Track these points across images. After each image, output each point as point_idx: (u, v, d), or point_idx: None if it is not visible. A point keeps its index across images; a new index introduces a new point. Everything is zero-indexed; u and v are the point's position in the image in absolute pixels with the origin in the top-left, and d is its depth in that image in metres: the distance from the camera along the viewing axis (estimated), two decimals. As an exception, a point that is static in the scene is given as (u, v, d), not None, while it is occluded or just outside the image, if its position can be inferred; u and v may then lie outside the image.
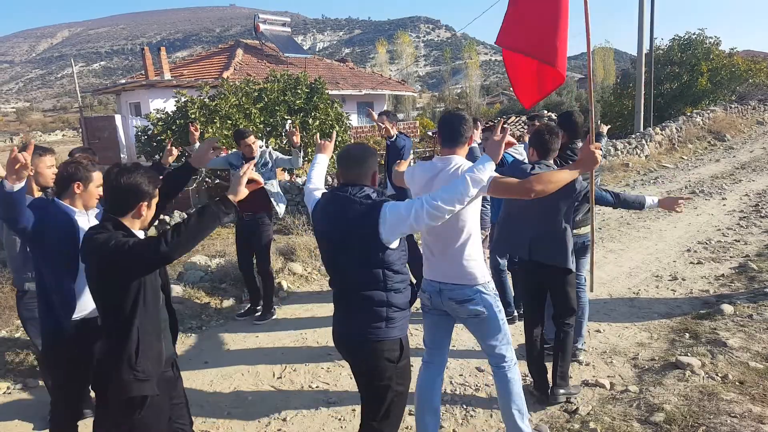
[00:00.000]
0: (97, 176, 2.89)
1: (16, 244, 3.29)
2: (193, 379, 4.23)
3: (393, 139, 4.97)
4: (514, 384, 2.94)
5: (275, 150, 5.85)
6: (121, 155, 18.11)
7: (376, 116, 5.27)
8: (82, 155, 3.90)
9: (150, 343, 2.25)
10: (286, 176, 12.85)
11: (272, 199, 5.23)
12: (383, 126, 4.95)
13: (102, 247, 2.12)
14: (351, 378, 4.16)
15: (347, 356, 2.65)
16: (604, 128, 5.48)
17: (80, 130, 21.25)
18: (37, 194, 3.30)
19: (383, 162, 5.35)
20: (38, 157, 3.24)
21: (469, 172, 2.45)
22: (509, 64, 4.13)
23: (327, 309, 5.62)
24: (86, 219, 2.86)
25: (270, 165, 5.25)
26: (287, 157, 5.35)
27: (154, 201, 2.37)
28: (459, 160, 2.88)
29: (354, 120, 20.38)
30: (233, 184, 2.35)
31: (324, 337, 4.98)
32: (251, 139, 5.11)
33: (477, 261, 2.85)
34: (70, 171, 2.86)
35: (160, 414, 2.29)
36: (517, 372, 2.98)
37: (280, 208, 5.33)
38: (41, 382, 4.30)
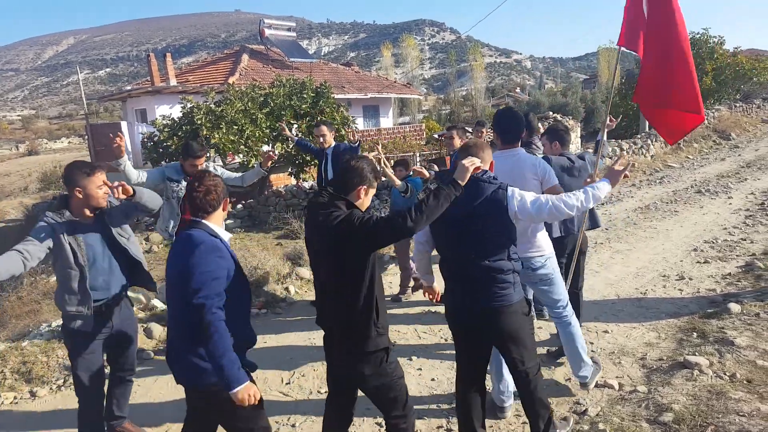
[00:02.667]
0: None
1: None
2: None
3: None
4: (575, 327, 3.63)
5: (281, 153, 5.90)
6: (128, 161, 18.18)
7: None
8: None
9: (383, 303, 2.63)
10: (293, 180, 12.90)
11: None
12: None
13: (345, 222, 2.45)
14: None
15: (475, 324, 2.92)
16: (613, 123, 5.28)
17: (86, 137, 21.38)
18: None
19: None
20: (86, 177, 2.98)
21: (591, 188, 2.97)
22: (649, 116, 4.59)
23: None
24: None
25: None
26: (235, 174, 5.02)
27: (372, 192, 2.67)
28: (523, 153, 3.45)
29: (360, 123, 20.44)
30: (459, 170, 2.60)
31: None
32: (202, 160, 4.66)
33: (545, 237, 3.47)
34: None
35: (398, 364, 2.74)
36: (575, 318, 3.67)
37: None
38: (41, 391, 4.35)
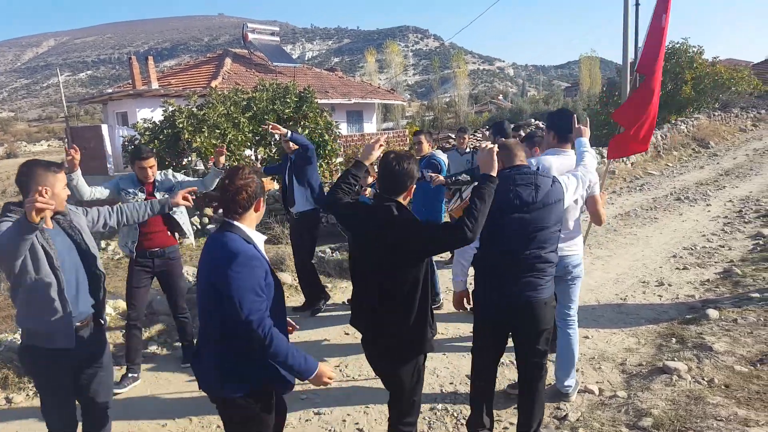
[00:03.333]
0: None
1: None
2: (192, 383, 4.20)
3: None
4: (576, 334, 3.73)
5: (263, 158, 5.84)
6: (108, 165, 17.96)
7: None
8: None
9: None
10: (276, 185, 12.83)
11: (184, 227, 4.46)
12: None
13: (406, 224, 2.53)
14: (340, 389, 4.16)
15: (509, 316, 3.01)
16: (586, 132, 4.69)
17: (66, 140, 21.07)
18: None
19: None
20: (53, 175, 2.72)
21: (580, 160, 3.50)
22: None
23: (316, 320, 5.61)
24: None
25: (175, 190, 4.21)
26: (193, 179, 4.75)
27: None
28: (573, 153, 3.68)
29: (344, 129, 20.42)
30: (485, 164, 2.67)
31: (313, 349, 4.97)
32: (150, 161, 4.28)
33: (580, 238, 3.74)
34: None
35: None
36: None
37: (190, 238, 4.64)
38: (17, 398, 4.25)
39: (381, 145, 2.88)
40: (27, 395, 4.30)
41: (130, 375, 4.34)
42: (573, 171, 3.34)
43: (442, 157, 5.57)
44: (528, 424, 3.09)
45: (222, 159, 4.44)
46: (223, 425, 2.51)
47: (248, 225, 2.35)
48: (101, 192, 4.14)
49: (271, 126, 5.35)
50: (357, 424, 3.67)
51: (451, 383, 4.12)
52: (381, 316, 2.63)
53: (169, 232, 4.41)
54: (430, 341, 2.68)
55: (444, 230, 2.64)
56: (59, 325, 2.69)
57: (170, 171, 4.57)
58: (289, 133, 5.39)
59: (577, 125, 3.67)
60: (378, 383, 4.15)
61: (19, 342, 4.74)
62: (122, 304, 5.71)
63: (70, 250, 2.77)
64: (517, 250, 2.92)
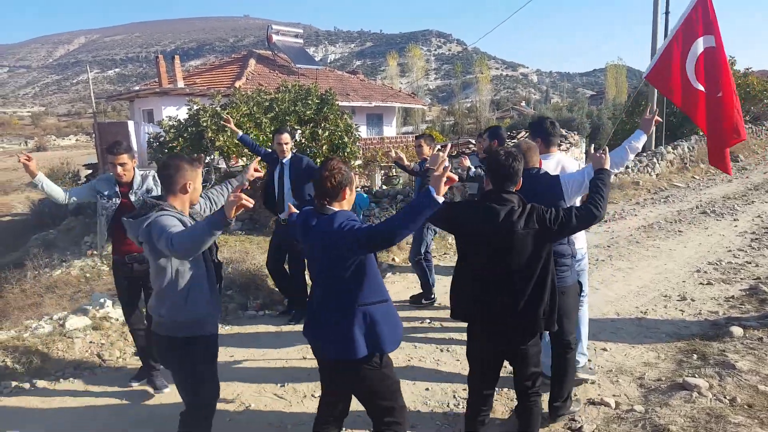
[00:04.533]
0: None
1: None
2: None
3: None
4: (585, 318, 4.06)
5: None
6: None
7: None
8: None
9: None
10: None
11: None
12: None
13: (536, 215, 2.79)
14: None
15: None
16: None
17: (93, 135, 21.46)
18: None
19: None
20: (194, 171, 2.89)
21: (627, 144, 3.73)
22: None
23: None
24: None
25: (154, 192, 4.14)
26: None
27: None
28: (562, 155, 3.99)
29: (363, 132, 20.46)
30: (596, 161, 3.18)
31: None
32: (121, 158, 4.01)
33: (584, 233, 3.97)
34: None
35: None
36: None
37: None
38: (41, 382, 4.33)
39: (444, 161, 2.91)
40: (50, 380, 4.44)
41: (157, 372, 4.21)
42: (581, 170, 3.61)
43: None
44: (560, 394, 3.53)
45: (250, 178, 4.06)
46: (353, 391, 2.76)
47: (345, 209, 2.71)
48: (79, 195, 4.12)
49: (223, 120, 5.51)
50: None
51: (453, 397, 4.07)
52: (518, 301, 2.82)
53: None
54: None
55: (574, 211, 2.86)
56: (212, 311, 2.90)
57: (153, 173, 4.18)
58: (240, 133, 5.76)
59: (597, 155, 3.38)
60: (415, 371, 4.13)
61: (44, 327, 4.86)
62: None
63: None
64: None
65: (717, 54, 4.95)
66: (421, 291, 6.01)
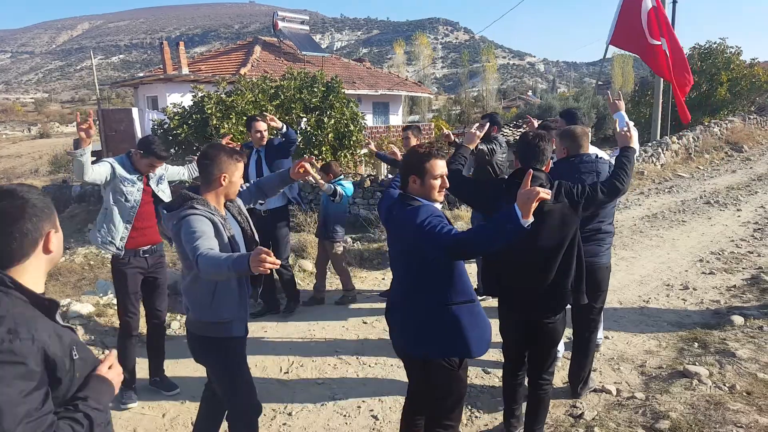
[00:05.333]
0: None
1: None
2: (201, 371, 4.28)
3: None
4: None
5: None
6: (138, 148, 18.29)
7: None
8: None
9: None
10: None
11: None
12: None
13: (569, 188, 2.92)
14: (356, 375, 4.21)
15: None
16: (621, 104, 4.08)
17: (97, 122, 21.49)
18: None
19: None
20: (235, 164, 2.68)
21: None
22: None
23: (334, 309, 5.67)
24: None
25: (165, 179, 4.04)
26: (180, 168, 4.37)
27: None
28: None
29: (369, 120, 20.42)
30: (622, 139, 3.25)
31: (332, 333, 5.02)
32: (163, 164, 3.90)
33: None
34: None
35: None
36: None
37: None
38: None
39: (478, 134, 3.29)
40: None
41: (132, 391, 3.91)
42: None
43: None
44: (579, 374, 3.68)
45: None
46: (425, 390, 2.70)
47: (420, 195, 2.57)
48: (99, 175, 3.65)
49: (268, 117, 5.13)
50: (371, 410, 3.71)
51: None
52: (547, 274, 2.89)
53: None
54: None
55: (602, 188, 2.97)
56: (240, 313, 2.71)
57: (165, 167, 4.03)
58: (284, 127, 5.20)
59: (612, 100, 3.91)
60: (393, 372, 4.19)
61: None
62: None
63: (240, 237, 2.75)
64: (582, 224, 3.19)
65: (658, 10, 5.75)
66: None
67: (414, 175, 2.54)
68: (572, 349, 3.77)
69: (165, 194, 3.92)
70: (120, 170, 3.71)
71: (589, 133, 3.68)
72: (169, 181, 4.06)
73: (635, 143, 3.37)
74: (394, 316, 2.71)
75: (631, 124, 3.63)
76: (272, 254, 2.03)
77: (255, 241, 2.79)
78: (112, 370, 1.59)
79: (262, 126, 5.17)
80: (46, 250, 1.49)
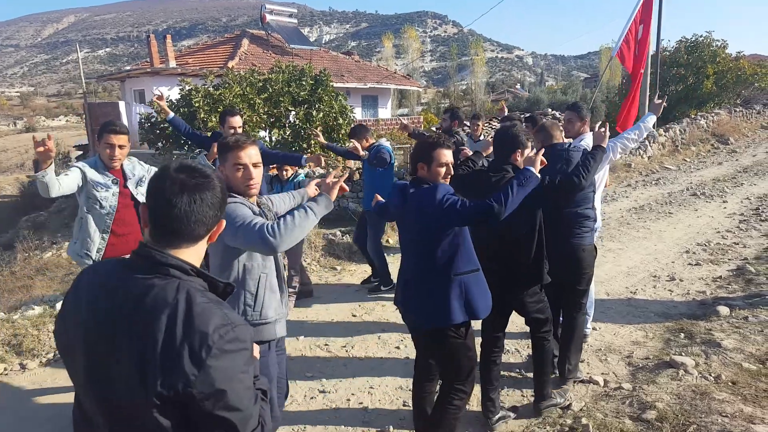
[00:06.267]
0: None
1: None
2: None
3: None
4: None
5: (277, 139, 5.74)
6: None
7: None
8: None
9: None
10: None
11: None
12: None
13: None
14: (345, 367, 4.21)
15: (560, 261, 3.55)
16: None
17: (84, 116, 21.23)
18: None
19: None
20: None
21: (642, 122, 4.24)
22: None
23: (324, 301, 5.66)
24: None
25: (143, 180, 3.60)
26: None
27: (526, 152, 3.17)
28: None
29: (358, 113, 20.36)
30: (597, 138, 3.50)
31: (321, 326, 5.01)
32: (122, 138, 3.44)
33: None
34: None
35: None
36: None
37: None
38: (31, 364, 4.35)
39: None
40: (40, 362, 4.42)
41: None
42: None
43: (387, 144, 5.90)
44: (566, 357, 3.78)
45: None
46: (435, 356, 2.94)
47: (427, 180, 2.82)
48: (69, 186, 3.27)
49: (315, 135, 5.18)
50: (361, 403, 3.71)
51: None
52: (515, 257, 3.17)
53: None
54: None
55: (560, 179, 3.22)
56: (283, 311, 2.64)
57: (135, 159, 3.69)
58: (171, 114, 5.15)
59: (656, 101, 4.41)
60: (382, 364, 4.20)
61: (34, 309, 4.82)
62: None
63: None
64: (561, 209, 3.55)
65: (643, 43, 6.15)
66: (376, 277, 5.95)
67: (422, 162, 2.79)
68: (561, 333, 3.85)
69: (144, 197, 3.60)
70: (92, 174, 3.36)
71: (560, 125, 3.90)
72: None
73: (605, 143, 3.60)
74: (408, 294, 2.86)
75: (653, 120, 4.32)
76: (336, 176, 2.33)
77: None
78: (255, 348, 1.57)
79: (237, 122, 4.64)
80: (211, 238, 1.46)
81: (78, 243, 3.41)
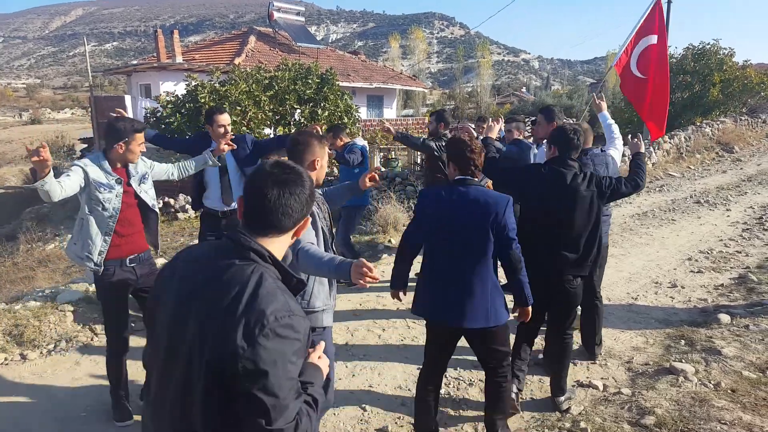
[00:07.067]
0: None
1: None
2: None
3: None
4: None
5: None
6: (130, 136, 18.14)
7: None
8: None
9: None
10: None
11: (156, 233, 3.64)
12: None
13: (596, 178, 3.36)
14: (345, 365, 4.21)
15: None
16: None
17: (89, 109, 21.28)
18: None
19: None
20: (323, 148, 2.73)
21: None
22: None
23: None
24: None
25: (149, 178, 3.53)
26: (168, 165, 3.80)
27: None
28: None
29: (363, 113, 20.36)
30: (633, 146, 4.00)
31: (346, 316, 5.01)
32: (141, 137, 3.30)
33: None
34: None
35: None
36: None
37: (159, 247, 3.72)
38: (32, 354, 4.36)
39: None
40: (41, 352, 4.42)
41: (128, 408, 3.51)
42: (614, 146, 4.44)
43: (362, 143, 6.24)
44: (592, 337, 4.26)
45: (225, 148, 3.94)
46: (478, 349, 3.06)
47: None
48: (71, 188, 3.09)
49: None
50: (360, 400, 3.72)
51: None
52: (576, 250, 3.36)
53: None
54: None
55: (626, 182, 3.49)
56: (331, 302, 2.74)
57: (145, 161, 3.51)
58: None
59: (597, 101, 4.65)
60: (381, 363, 4.20)
61: (36, 300, 4.82)
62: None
63: (327, 228, 2.78)
64: None
65: (657, 50, 6.11)
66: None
67: (452, 162, 2.99)
68: (581, 319, 4.20)
69: (149, 195, 3.44)
70: (95, 174, 3.17)
71: (591, 130, 4.17)
72: (155, 181, 3.57)
73: (620, 143, 4.28)
74: (451, 294, 2.90)
75: (614, 123, 4.52)
76: (373, 269, 2.05)
77: (332, 235, 2.80)
78: (321, 360, 1.64)
79: (225, 119, 4.37)
80: (297, 233, 1.57)
81: (78, 245, 3.25)
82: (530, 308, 3.00)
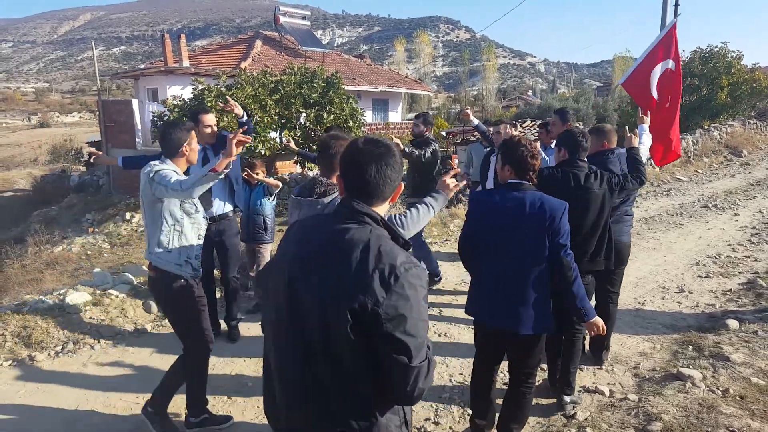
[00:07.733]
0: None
1: None
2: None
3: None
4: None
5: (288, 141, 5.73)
6: (137, 139, 18.25)
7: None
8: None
9: None
10: (298, 168, 12.88)
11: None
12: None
13: (606, 176, 3.53)
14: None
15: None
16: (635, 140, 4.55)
17: (97, 112, 21.42)
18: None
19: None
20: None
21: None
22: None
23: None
24: None
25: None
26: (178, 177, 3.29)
27: None
28: None
29: (368, 117, 20.38)
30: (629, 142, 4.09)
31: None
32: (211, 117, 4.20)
33: None
34: None
35: None
36: None
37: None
38: (40, 356, 4.39)
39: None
40: (48, 354, 4.45)
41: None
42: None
43: None
44: (601, 341, 4.14)
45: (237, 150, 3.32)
46: (519, 360, 3.04)
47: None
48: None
49: (231, 103, 4.51)
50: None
51: (460, 374, 4.13)
52: (590, 245, 3.49)
53: None
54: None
55: (630, 179, 3.68)
56: None
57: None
58: (245, 115, 4.55)
59: (641, 115, 4.81)
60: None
61: (44, 302, 4.86)
62: (131, 278, 5.77)
63: None
64: (614, 209, 3.90)
65: (674, 76, 6.03)
66: None
67: (508, 165, 2.96)
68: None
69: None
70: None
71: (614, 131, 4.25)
72: None
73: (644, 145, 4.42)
74: (507, 299, 2.91)
75: (647, 133, 4.67)
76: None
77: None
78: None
79: (211, 120, 4.30)
80: (393, 199, 1.76)
81: (174, 252, 3.14)
82: (597, 319, 2.96)
